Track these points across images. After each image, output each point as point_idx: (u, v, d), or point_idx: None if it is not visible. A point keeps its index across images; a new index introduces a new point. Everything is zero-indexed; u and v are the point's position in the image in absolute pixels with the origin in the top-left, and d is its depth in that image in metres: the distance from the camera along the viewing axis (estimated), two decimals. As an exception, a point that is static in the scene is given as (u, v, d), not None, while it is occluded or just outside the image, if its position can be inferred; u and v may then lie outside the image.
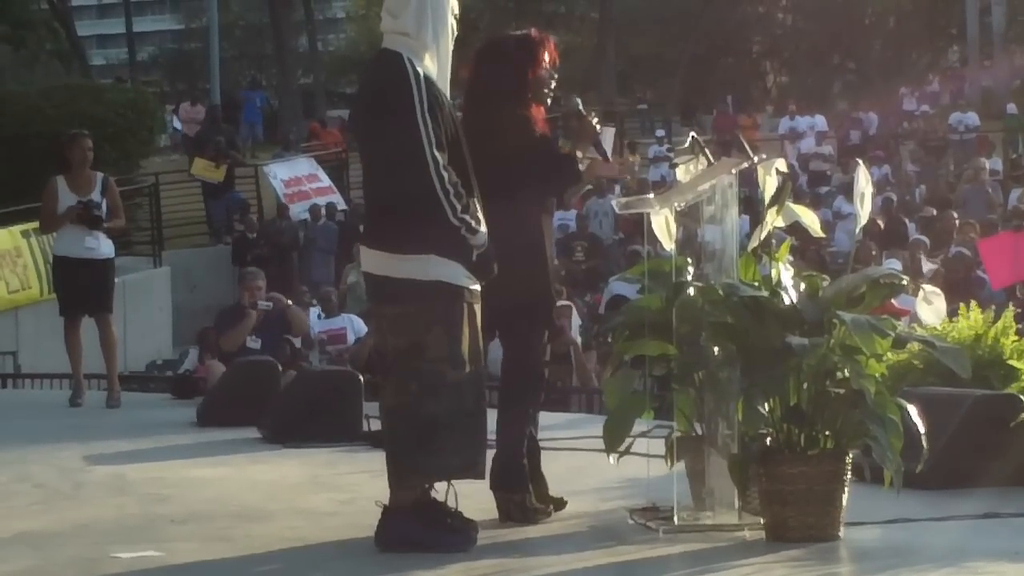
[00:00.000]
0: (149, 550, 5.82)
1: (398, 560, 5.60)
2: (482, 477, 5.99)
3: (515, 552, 5.84)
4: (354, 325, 16.75)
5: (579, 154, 6.54)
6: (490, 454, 6.05)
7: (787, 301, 5.92)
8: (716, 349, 5.98)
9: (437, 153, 5.64)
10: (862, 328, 5.61)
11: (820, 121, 33.66)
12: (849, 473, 5.82)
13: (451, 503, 5.81)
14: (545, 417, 6.72)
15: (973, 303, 8.23)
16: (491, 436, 6.04)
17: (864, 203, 6.22)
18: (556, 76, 6.58)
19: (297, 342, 15.88)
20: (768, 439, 5.86)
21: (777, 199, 6.14)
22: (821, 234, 6.98)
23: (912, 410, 5.77)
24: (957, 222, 20.79)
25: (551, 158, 6.46)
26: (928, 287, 6.29)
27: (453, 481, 5.83)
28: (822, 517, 5.76)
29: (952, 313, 7.76)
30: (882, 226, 20.73)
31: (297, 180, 27.34)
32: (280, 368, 11.14)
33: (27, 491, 7.63)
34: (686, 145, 6.59)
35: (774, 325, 5.81)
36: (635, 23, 50.67)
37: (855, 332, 5.61)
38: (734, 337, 5.90)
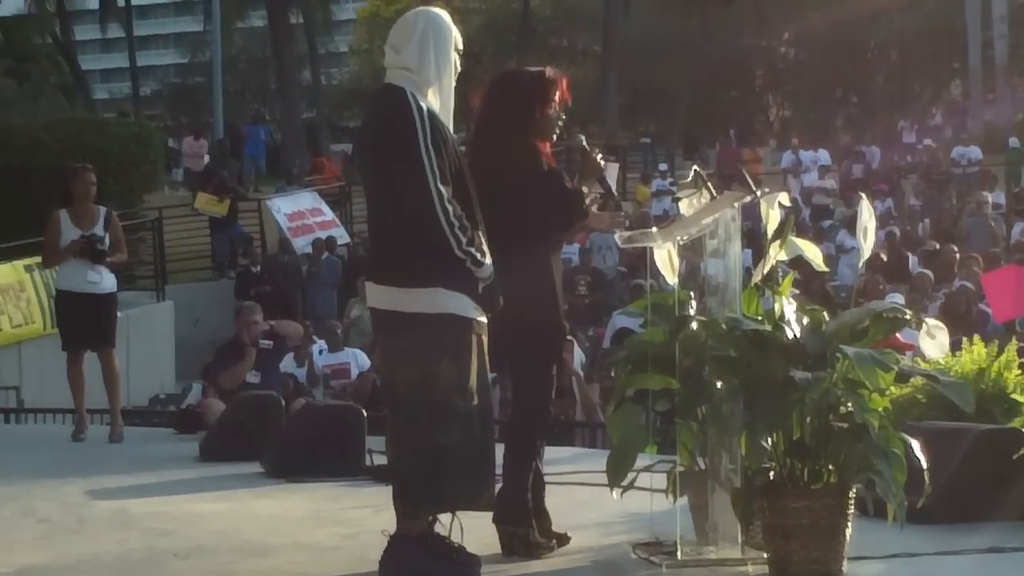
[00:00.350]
0: (152, 585, 5.83)
1: (402, 593, 5.59)
2: (491, 508, 6.00)
3: (518, 586, 5.84)
4: (358, 360, 16.72)
5: (584, 189, 6.55)
6: (496, 487, 6.05)
7: (790, 335, 5.91)
8: (719, 383, 5.96)
9: (441, 186, 5.66)
10: (865, 362, 5.60)
11: (823, 155, 33.71)
12: (852, 507, 5.80)
13: (455, 537, 5.81)
14: (548, 451, 6.71)
15: (976, 337, 8.22)
16: (497, 470, 6.04)
17: (867, 237, 6.22)
18: (564, 117, 6.58)
19: (300, 374, 15.93)
20: (771, 473, 5.84)
21: (780, 233, 6.15)
22: (824, 268, 6.97)
23: (915, 444, 5.76)
24: (957, 256, 20.78)
25: (560, 192, 6.45)
26: (931, 321, 6.28)
27: (458, 514, 5.83)
28: (826, 551, 5.73)
29: (955, 347, 7.74)
30: (885, 259, 20.73)
31: (300, 214, 27.36)
32: (283, 402, 11.12)
33: (31, 526, 7.63)
34: (689, 179, 6.60)
35: (777, 359, 5.81)
36: (638, 57, 50.71)
37: (858, 366, 5.60)
38: (737, 371, 5.89)
